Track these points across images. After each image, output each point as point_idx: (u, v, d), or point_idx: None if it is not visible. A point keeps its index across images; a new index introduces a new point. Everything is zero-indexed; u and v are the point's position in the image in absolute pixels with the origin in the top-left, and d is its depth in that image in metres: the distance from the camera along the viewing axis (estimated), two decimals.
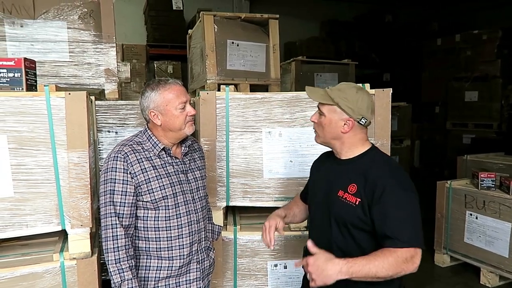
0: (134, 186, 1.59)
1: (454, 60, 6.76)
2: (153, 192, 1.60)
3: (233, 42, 3.05)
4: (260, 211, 2.69)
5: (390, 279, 1.38)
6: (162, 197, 1.61)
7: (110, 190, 1.57)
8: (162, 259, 1.65)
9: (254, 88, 3.09)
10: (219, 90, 2.62)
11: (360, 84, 1.89)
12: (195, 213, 1.71)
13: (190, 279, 1.71)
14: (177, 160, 1.70)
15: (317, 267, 1.35)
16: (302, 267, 1.47)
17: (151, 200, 1.60)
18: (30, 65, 2.00)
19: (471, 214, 3.53)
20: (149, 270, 1.65)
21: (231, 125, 2.45)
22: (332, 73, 5.14)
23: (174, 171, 1.67)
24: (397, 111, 5.84)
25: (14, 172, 1.94)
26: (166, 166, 1.66)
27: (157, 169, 1.63)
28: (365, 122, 1.53)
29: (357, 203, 1.47)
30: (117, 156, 1.59)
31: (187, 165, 1.74)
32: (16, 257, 2.09)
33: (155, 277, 1.64)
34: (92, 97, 2.56)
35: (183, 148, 1.74)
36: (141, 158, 1.61)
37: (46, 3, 2.58)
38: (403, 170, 1.56)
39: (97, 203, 2.19)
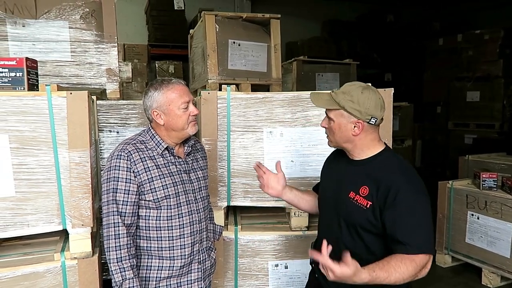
0: (137, 184, 1.58)
1: (456, 60, 6.73)
2: (156, 191, 1.60)
3: (234, 42, 3.05)
4: (261, 211, 2.69)
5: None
6: (165, 196, 1.61)
7: (113, 188, 1.57)
8: (163, 259, 1.64)
9: (255, 88, 3.09)
10: (220, 90, 2.62)
11: None
12: (197, 213, 1.71)
13: (191, 279, 1.71)
14: (180, 160, 1.70)
15: (340, 278, 1.29)
16: (310, 261, 1.45)
17: (153, 199, 1.60)
18: (31, 65, 2.01)
19: (472, 215, 3.53)
20: (150, 270, 1.64)
21: (232, 125, 2.45)
22: (334, 73, 5.12)
23: (177, 171, 1.67)
24: (398, 111, 5.83)
25: (15, 172, 1.94)
26: (169, 166, 1.65)
27: (160, 168, 1.62)
28: (376, 121, 1.50)
29: (368, 206, 1.46)
30: (121, 155, 1.58)
31: (190, 165, 1.74)
32: (17, 256, 2.10)
33: (156, 277, 1.64)
34: (94, 97, 2.56)
35: (185, 148, 1.74)
36: (144, 157, 1.61)
37: (48, 3, 2.58)
38: (415, 171, 1.53)
39: (98, 203, 2.20)
